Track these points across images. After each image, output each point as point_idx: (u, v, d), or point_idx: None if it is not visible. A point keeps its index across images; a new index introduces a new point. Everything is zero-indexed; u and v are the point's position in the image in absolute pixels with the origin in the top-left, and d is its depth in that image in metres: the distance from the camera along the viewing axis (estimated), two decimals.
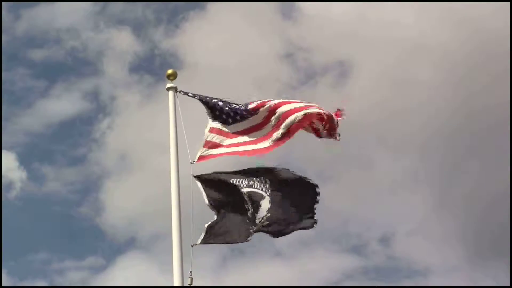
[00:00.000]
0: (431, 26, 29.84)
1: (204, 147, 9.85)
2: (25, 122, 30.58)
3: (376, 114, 29.32)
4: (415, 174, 29.19)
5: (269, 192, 9.55)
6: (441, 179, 29.11)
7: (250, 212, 9.46)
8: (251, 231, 9.38)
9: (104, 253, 28.38)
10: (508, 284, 19.68)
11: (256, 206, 9.48)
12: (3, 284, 18.65)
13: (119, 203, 28.39)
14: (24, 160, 29.58)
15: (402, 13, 29.95)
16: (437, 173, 29.18)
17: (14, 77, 30.47)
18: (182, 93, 10.22)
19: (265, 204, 9.48)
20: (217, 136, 9.93)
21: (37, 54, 31.67)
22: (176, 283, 8.91)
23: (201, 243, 9.27)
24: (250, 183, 9.57)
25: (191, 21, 31.49)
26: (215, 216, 9.46)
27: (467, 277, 26.35)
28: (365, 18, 30.39)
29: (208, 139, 9.89)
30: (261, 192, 9.57)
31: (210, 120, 10.04)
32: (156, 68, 31.03)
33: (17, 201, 28.94)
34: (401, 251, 27.66)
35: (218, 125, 9.99)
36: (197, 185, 9.53)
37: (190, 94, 10.21)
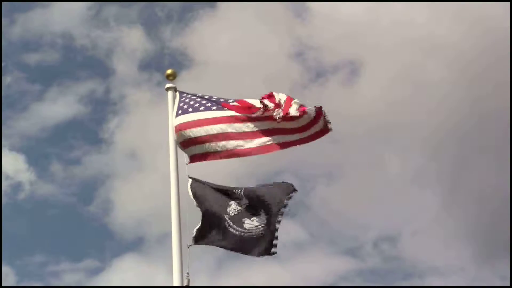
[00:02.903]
0: (443, 26, 29.71)
1: (185, 148, 9.63)
2: (23, 125, 30.61)
3: (386, 113, 29.26)
4: (425, 174, 29.10)
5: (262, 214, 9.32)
6: (452, 179, 29.01)
7: (234, 214, 9.27)
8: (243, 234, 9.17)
9: (113, 252, 28.34)
10: (508, 284, 19.62)
11: (247, 214, 9.26)
12: (3, 284, 18.71)
13: (128, 202, 28.38)
14: (32, 161, 29.70)
15: (413, 13, 29.85)
16: (448, 173, 29.09)
17: (10, 80, 30.46)
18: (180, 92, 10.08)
19: (257, 219, 9.26)
20: (187, 131, 9.62)
21: (32, 58, 31.74)
22: (176, 284, 8.89)
23: (194, 244, 9.18)
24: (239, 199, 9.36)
25: (201, 20, 31.53)
26: (201, 218, 9.31)
27: (473, 277, 26.28)
28: (376, 17, 30.32)
29: (181, 140, 9.62)
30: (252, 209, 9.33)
31: (173, 119, 9.76)
32: (165, 67, 30.94)
33: (25, 203, 29.02)
34: (405, 252, 27.58)
35: (181, 119, 9.69)
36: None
37: (188, 95, 10.03)
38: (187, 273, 8.88)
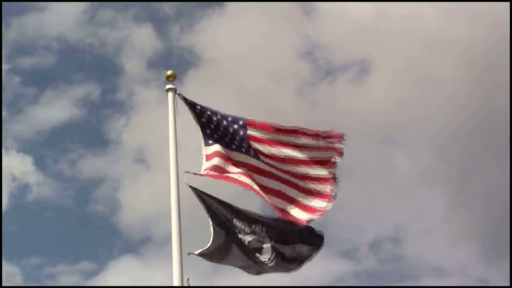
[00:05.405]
0: (450, 22, 29.63)
1: (206, 170, 9.66)
2: (21, 127, 30.59)
3: (395, 112, 29.26)
4: (432, 174, 29.04)
5: (269, 240, 9.67)
6: (459, 179, 28.94)
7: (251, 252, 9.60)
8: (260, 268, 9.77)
9: (111, 253, 28.30)
10: (508, 284, 19.57)
11: (259, 250, 9.65)
12: (3, 284, 18.82)
13: (135, 202, 28.36)
14: (39, 162, 29.73)
15: (422, 11, 29.78)
16: (455, 173, 29.01)
17: (6, 84, 30.45)
18: (181, 97, 10.08)
19: (268, 249, 9.68)
20: (217, 159, 9.73)
21: (27, 61, 31.56)
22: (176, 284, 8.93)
23: (198, 254, 9.24)
24: (248, 229, 9.61)
25: (210, 19, 31.56)
26: (212, 235, 9.42)
27: (479, 277, 26.25)
28: (384, 16, 30.28)
29: (207, 166, 9.68)
30: (261, 239, 9.65)
31: (203, 145, 9.87)
32: (174, 65, 31.07)
33: (32, 205, 29.05)
34: (411, 252, 27.51)
35: (215, 148, 9.82)
36: (193, 193, 9.47)
37: (188, 101, 10.04)
38: (188, 279, 8.89)
